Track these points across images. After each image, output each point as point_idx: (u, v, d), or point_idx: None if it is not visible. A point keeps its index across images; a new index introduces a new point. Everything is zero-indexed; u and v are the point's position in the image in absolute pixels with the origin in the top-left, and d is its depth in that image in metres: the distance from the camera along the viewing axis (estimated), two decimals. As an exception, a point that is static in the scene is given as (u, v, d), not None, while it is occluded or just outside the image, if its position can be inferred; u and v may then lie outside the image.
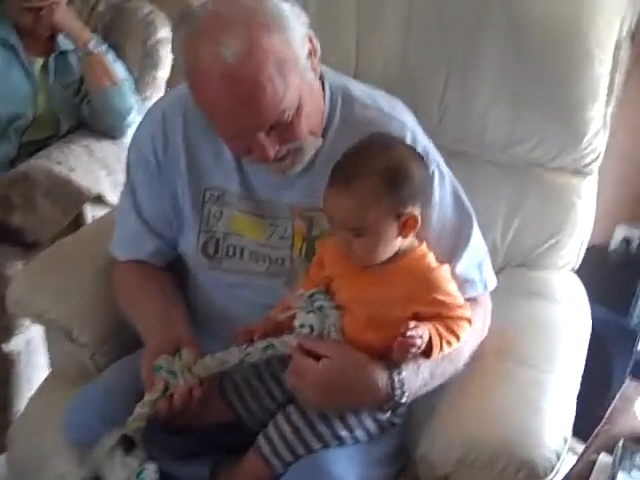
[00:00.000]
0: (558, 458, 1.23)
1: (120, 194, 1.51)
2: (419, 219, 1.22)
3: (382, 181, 1.19)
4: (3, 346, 1.83)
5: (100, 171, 1.98)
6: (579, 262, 1.66)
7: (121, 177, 2.02)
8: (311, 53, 1.24)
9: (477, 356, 1.34)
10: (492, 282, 1.41)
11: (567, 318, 1.51)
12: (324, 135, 1.32)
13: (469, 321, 1.26)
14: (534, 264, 1.61)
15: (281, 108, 1.19)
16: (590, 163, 1.58)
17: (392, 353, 1.22)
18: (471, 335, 1.30)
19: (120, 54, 2.16)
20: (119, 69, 2.12)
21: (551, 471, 1.22)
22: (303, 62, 1.22)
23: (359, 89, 1.38)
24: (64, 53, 2.12)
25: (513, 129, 1.58)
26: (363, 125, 1.31)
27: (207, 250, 1.40)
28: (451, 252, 1.34)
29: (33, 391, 1.65)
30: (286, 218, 1.37)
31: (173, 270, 1.48)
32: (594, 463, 1.45)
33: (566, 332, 1.47)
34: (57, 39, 2.11)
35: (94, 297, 1.49)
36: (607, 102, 1.54)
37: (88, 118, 2.13)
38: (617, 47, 1.52)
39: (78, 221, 1.88)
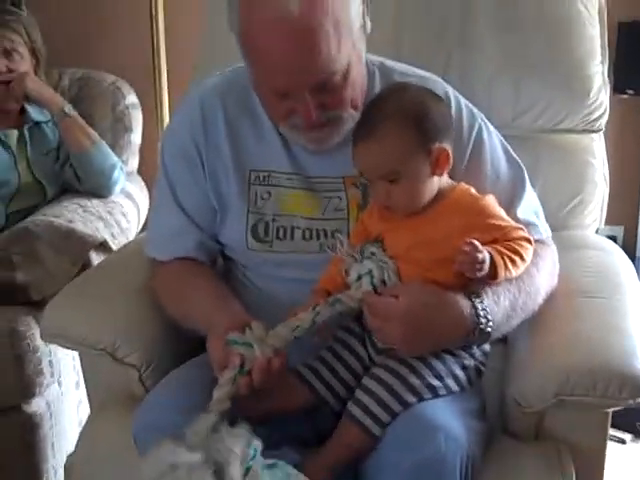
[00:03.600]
0: (654, 373, 1.22)
1: (154, 196, 1.48)
2: (450, 154, 1.23)
3: (402, 120, 1.20)
4: (25, 407, 1.71)
5: (97, 223, 1.93)
6: (603, 220, 1.70)
7: (116, 230, 2.01)
8: (363, 27, 1.27)
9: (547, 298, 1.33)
10: (549, 231, 1.42)
11: (614, 260, 1.54)
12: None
13: (528, 240, 1.25)
14: (561, 227, 1.63)
15: (333, 68, 1.21)
16: (598, 118, 1.64)
17: (465, 285, 1.21)
18: (545, 274, 1.32)
19: (89, 123, 2.14)
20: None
21: (652, 385, 1.20)
22: (356, 32, 1.25)
23: (394, 63, 1.43)
24: (38, 124, 2.09)
25: (517, 100, 1.65)
26: None
27: (257, 232, 1.37)
28: (509, 199, 1.35)
29: (61, 458, 1.56)
30: (338, 190, 1.36)
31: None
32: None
33: (620, 270, 1.50)
34: (27, 112, 2.08)
35: (134, 314, 1.43)
36: (602, 61, 1.63)
37: (72, 181, 2.09)
38: (600, 10, 1.62)
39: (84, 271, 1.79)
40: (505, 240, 1.23)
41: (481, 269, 1.18)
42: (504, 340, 1.39)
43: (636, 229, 2.28)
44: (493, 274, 1.20)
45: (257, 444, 1.10)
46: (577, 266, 1.46)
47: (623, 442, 2.01)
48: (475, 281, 1.21)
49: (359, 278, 1.22)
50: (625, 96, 2.17)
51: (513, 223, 1.26)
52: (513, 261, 1.22)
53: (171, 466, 1.06)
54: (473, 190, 1.27)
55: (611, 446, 1.91)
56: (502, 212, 1.26)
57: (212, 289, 1.36)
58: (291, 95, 1.23)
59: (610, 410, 1.26)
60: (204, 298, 1.33)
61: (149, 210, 1.56)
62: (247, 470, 1.07)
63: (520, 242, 1.24)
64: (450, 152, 1.23)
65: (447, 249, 1.20)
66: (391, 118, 1.21)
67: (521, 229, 1.26)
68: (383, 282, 1.22)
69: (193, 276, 1.39)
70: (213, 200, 1.39)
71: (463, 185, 1.28)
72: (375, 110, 1.24)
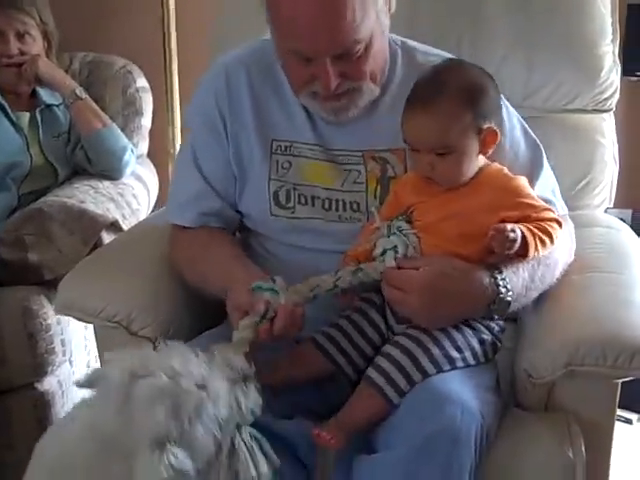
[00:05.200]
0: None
1: (176, 162, 1.51)
2: (499, 133, 1.25)
3: (461, 97, 1.22)
4: (37, 385, 1.74)
5: (108, 204, 1.95)
6: (612, 200, 1.70)
7: (127, 211, 2.02)
8: (388, 3, 1.30)
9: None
10: (566, 209, 1.44)
11: (623, 237, 1.56)
12: (388, 84, 1.37)
13: (558, 222, 1.27)
14: (571, 206, 1.62)
15: (355, 36, 1.23)
16: (609, 98, 1.66)
17: (489, 259, 1.22)
18: (563, 248, 1.34)
19: (100, 106, 2.15)
20: None
21: (662, 355, 1.21)
22: (381, 4, 1.27)
23: (415, 43, 1.45)
24: (49, 106, 2.10)
25: (528, 80, 1.66)
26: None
27: (279, 199, 1.39)
28: (528, 178, 1.34)
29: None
30: (358, 163, 1.38)
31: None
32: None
33: (629, 246, 1.51)
34: (39, 94, 2.10)
35: (150, 288, 1.44)
36: (613, 41, 1.64)
37: (83, 164, 2.10)
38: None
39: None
40: (537, 220, 1.24)
41: (511, 247, 1.20)
42: (515, 319, 1.41)
43: (644, 212, 2.27)
44: (523, 252, 1.22)
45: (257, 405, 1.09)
46: (587, 243, 1.47)
47: (630, 422, 2.02)
48: (501, 257, 1.22)
49: (384, 252, 1.24)
50: (634, 79, 2.17)
51: (544, 204, 1.27)
52: (543, 242, 1.24)
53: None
54: (506, 170, 1.28)
55: (618, 426, 1.93)
56: (533, 192, 1.28)
57: (231, 251, 1.39)
58: (313, 60, 1.25)
59: (619, 381, 1.27)
60: (224, 259, 1.36)
61: (171, 182, 1.57)
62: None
63: (551, 223, 1.25)
64: (498, 132, 1.24)
65: (476, 224, 1.22)
66: (450, 94, 1.21)
67: (552, 210, 1.27)
68: (406, 257, 1.23)
69: (212, 239, 1.41)
70: (234, 167, 1.41)
71: (497, 164, 1.29)
72: (433, 84, 1.24)
